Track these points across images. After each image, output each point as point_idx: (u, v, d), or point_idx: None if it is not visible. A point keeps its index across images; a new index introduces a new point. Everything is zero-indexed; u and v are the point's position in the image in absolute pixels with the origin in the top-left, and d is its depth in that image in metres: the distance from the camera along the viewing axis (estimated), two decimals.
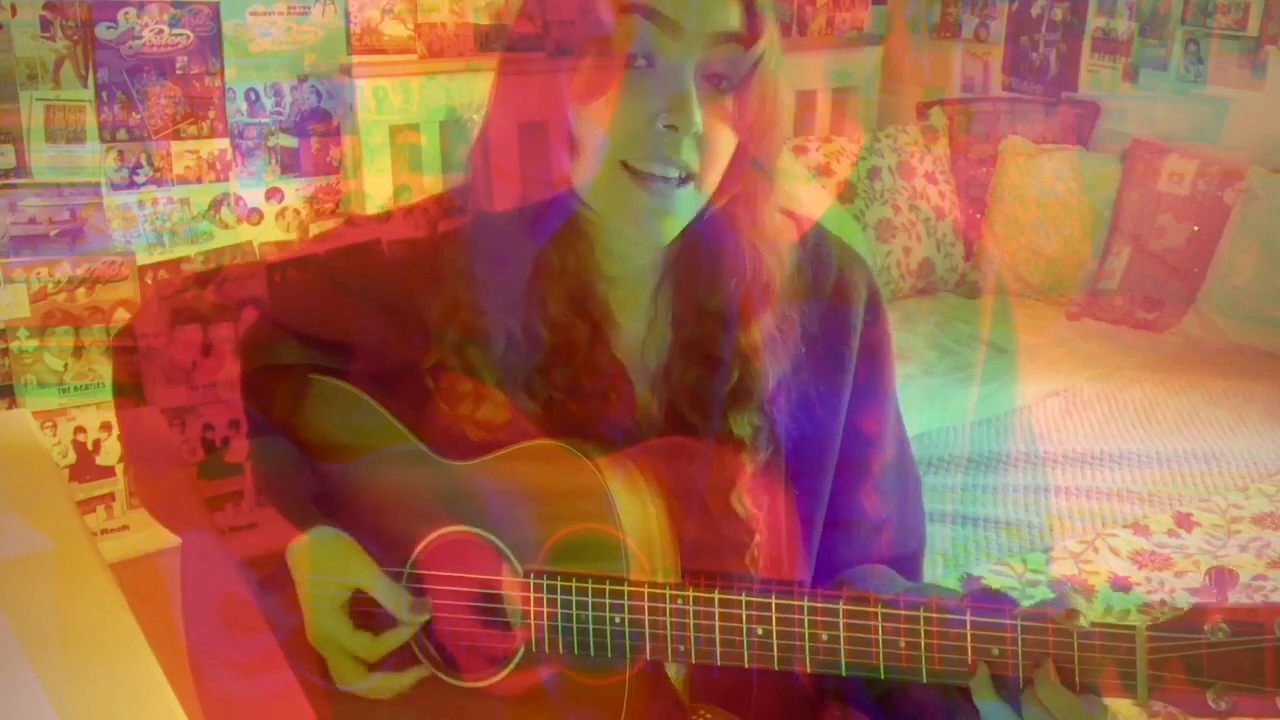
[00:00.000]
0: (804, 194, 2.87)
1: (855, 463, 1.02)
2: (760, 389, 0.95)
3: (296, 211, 2.61)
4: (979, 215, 3.15)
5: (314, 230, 2.61)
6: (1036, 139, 3.12)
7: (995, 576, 1.71)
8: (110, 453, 2.35)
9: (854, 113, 3.45)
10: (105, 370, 2.20)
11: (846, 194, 3.04)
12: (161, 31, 2.30)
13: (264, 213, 2.55)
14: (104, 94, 2.26)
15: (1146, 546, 1.79)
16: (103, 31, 2.23)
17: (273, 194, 2.56)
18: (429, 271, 0.99)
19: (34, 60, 2.17)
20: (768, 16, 0.89)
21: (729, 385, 0.95)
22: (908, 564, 1.07)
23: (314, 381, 1.04)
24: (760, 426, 0.96)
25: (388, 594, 0.96)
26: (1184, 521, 1.87)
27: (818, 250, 1.01)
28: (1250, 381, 2.47)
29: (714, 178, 0.91)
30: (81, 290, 2.26)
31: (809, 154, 3.07)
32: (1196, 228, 2.74)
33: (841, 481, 1.02)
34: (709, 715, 0.98)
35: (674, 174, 0.88)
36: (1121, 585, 1.67)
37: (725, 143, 0.90)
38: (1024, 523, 1.89)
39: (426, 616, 0.97)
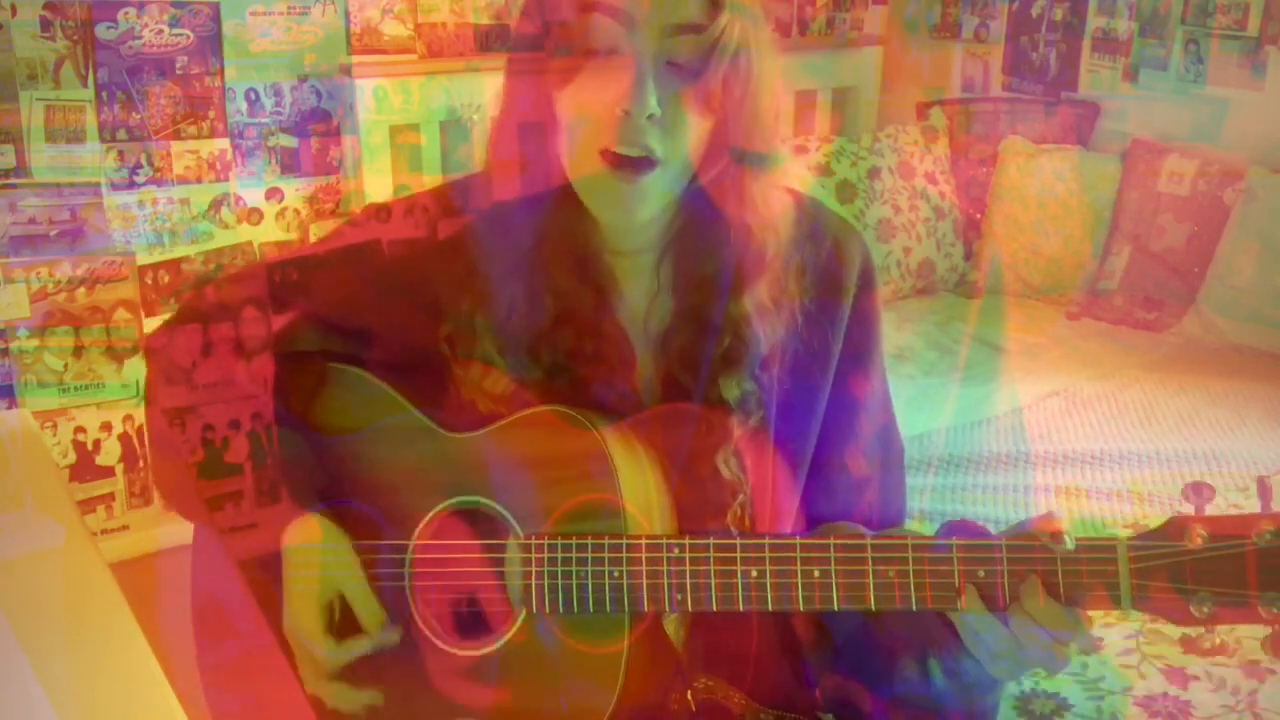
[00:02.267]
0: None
1: (841, 425, 1.04)
2: (751, 354, 0.98)
3: (296, 211, 2.61)
4: (979, 215, 3.15)
5: (314, 230, 2.61)
6: (1036, 139, 3.12)
7: None
8: (110, 453, 2.35)
9: (854, 113, 3.45)
10: (105, 370, 2.20)
11: (846, 194, 3.04)
12: (161, 31, 2.31)
13: (264, 213, 2.56)
14: (104, 94, 2.27)
15: None
16: (103, 31, 2.23)
17: (273, 194, 2.56)
18: (442, 258, 1.02)
19: (34, 60, 2.17)
20: (732, 4, 0.91)
21: (720, 349, 0.97)
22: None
23: (325, 365, 1.07)
24: (750, 391, 0.98)
25: (364, 605, 0.98)
26: None
27: (815, 220, 1.04)
28: (1250, 381, 2.46)
29: (683, 159, 0.93)
30: (81, 290, 2.26)
31: (809, 154, 3.07)
32: (1196, 228, 2.73)
33: (826, 444, 1.04)
34: (708, 684, 1.00)
35: (637, 153, 0.91)
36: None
37: (691, 126, 0.92)
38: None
39: (396, 638, 0.98)
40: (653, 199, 0.94)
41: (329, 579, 0.98)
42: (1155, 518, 1.86)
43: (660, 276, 1.01)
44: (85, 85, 2.24)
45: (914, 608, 0.85)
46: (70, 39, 2.20)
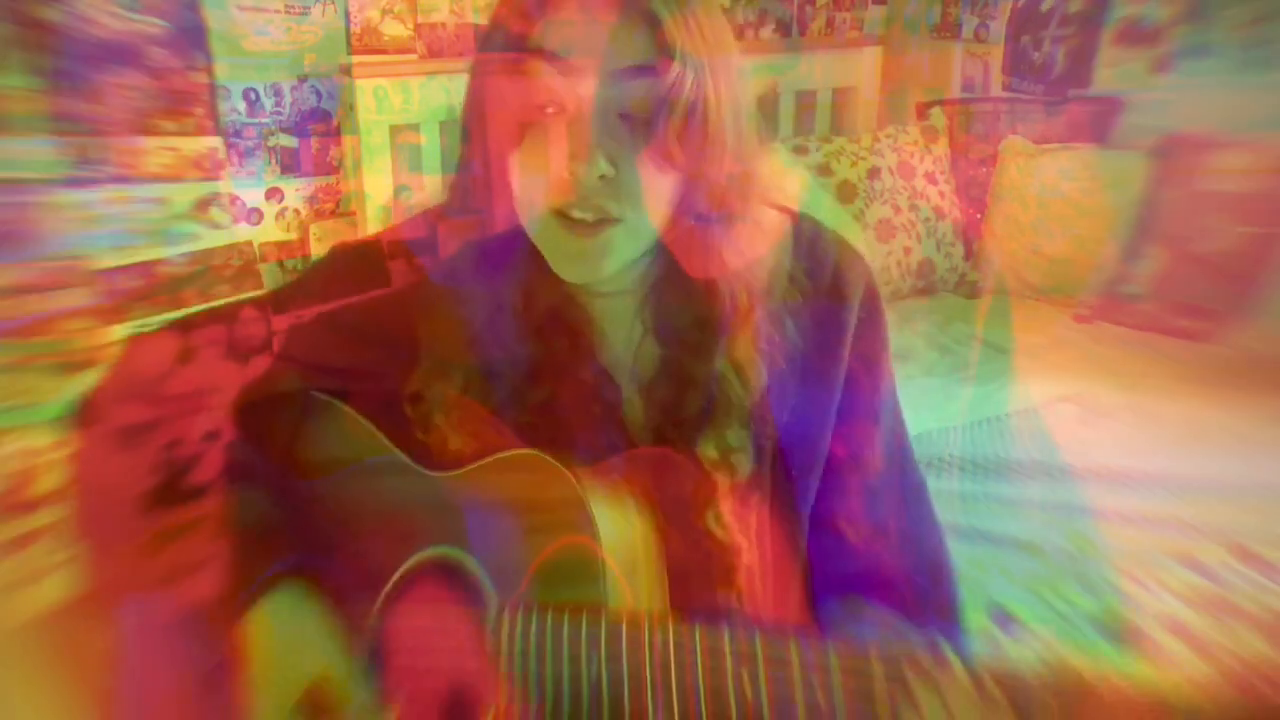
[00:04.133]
0: (803, 193, 2.81)
1: (843, 465, 0.96)
2: (738, 408, 0.90)
3: (296, 211, 2.57)
4: (979, 215, 3.06)
5: (314, 230, 2.58)
6: (1038, 138, 2.98)
7: (1023, 606, 1.51)
8: (43, 482, 2.13)
9: (854, 113, 3.39)
10: (46, 387, 2.03)
11: (846, 194, 2.98)
12: (117, 14, 2.19)
13: (264, 213, 2.52)
14: (54, 83, 2.11)
15: (1203, 583, 1.55)
16: (51, 14, 2.08)
17: (273, 194, 2.52)
18: (417, 302, 0.94)
19: None
20: (687, 47, 0.82)
21: (697, 406, 0.90)
22: (918, 593, 0.96)
23: (308, 397, 0.99)
24: (737, 447, 0.90)
25: (348, 691, 0.85)
26: (1245, 556, 1.61)
27: (813, 246, 0.95)
28: None
29: (649, 214, 0.85)
30: (12, 301, 2.06)
31: (809, 154, 3.01)
32: (1258, 229, 2.45)
33: (831, 483, 0.96)
34: None
35: (590, 217, 0.83)
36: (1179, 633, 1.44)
37: (648, 183, 0.84)
38: (1046, 543, 1.69)
39: None
40: (616, 254, 0.86)
41: (300, 665, 0.86)
42: (1206, 547, 1.60)
43: (644, 320, 0.94)
44: (28, 72, 2.08)
45: None
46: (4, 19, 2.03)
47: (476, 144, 0.89)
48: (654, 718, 0.78)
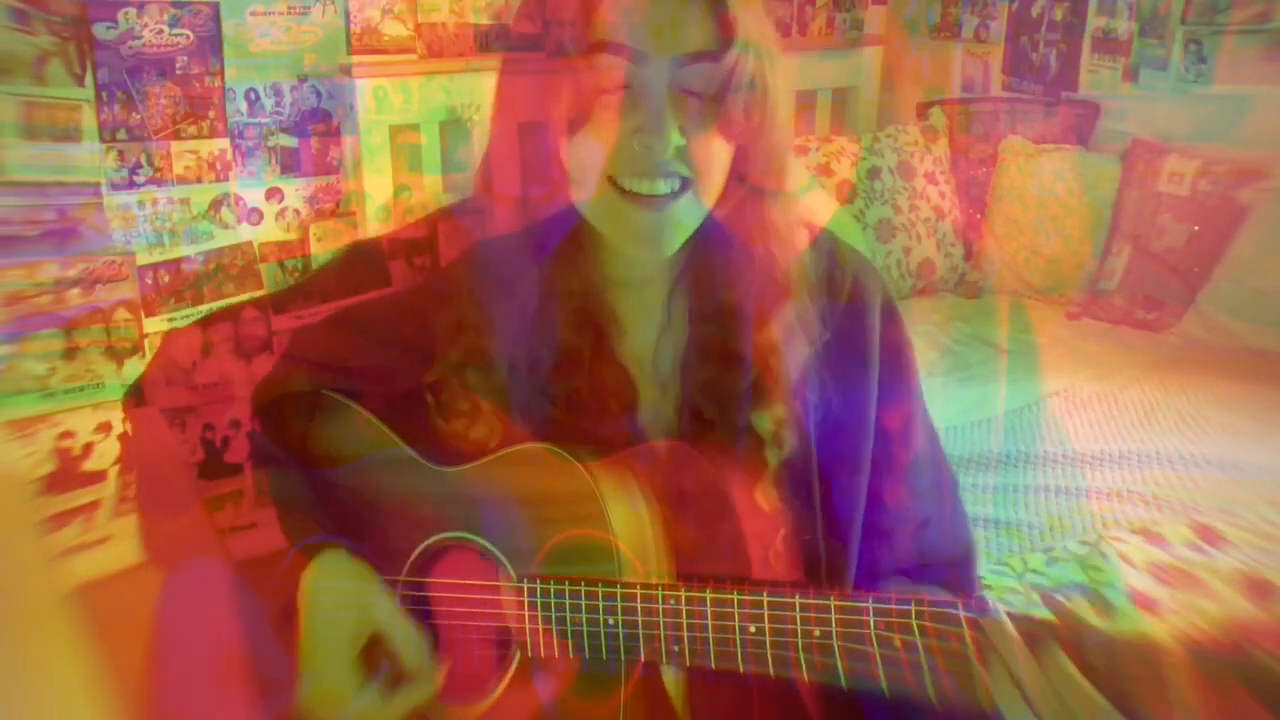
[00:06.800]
0: (805, 195, 2.85)
1: (886, 462, 1.01)
2: (781, 385, 0.95)
3: (296, 211, 2.59)
4: (979, 215, 3.14)
5: (314, 231, 2.60)
6: (1036, 139, 3.11)
7: (995, 577, 1.68)
8: (104, 455, 2.29)
9: (854, 113, 3.44)
10: (106, 370, 2.17)
11: (846, 194, 3.03)
12: (161, 31, 2.29)
13: (264, 213, 2.54)
14: (104, 94, 2.25)
15: (1164, 556, 1.69)
16: (102, 32, 2.21)
17: (273, 194, 2.55)
18: (437, 295, 1.00)
19: (7, 53, 2.11)
20: (748, 29, 0.89)
21: (749, 381, 0.94)
22: (955, 571, 1.04)
23: (318, 396, 1.05)
24: (783, 421, 0.95)
25: (407, 641, 0.93)
26: (1208, 535, 1.74)
27: (831, 255, 1.01)
28: (1270, 387, 2.35)
29: (713, 184, 0.91)
30: (75, 291, 2.22)
31: (809, 154, 3.06)
32: (1197, 227, 2.70)
33: (875, 482, 1.01)
34: None
35: (664, 189, 0.89)
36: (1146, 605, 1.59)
37: (717, 150, 0.90)
38: (1023, 522, 1.85)
39: (440, 676, 0.94)
40: (681, 227, 0.92)
41: (362, 615, 0.93)
42: (1166, 524, 1.79)
43: (672, 309, 0.99)
44: (81, 84, 2.22)
45: (930, 692, 0.79)
46: (58, 35, 2.17)
47: (509, 137, 0.95)
48: (666, 659, 0.88)
